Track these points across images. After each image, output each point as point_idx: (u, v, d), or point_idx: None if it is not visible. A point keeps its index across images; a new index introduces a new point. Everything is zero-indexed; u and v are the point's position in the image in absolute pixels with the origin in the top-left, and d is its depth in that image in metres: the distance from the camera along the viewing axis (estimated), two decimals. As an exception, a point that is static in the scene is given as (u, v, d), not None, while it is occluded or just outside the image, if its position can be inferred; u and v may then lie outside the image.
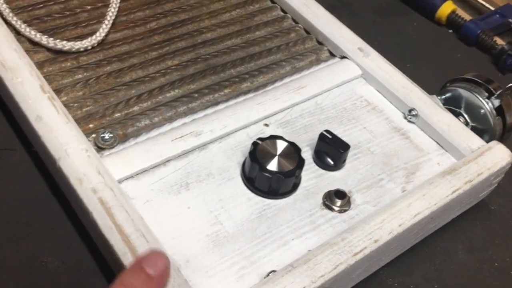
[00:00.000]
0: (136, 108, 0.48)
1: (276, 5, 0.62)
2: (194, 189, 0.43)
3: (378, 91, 0.53)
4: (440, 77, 0.59)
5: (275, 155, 0.43)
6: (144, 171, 0.43)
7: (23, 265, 0.41)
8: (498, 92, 0.49)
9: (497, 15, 0.73)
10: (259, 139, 0.44)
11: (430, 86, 0.55)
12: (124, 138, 0.45)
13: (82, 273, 0.41)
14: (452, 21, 0.72)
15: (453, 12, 0.72)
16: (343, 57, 0.56)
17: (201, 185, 0.43)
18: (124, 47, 0.54)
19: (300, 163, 0.43)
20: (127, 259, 0.36)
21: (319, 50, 0.57)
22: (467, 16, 0.74)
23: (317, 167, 0.46)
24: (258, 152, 0.43)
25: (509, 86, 0.49)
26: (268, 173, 0.42)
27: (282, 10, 0.62)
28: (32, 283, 0.40)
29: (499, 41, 0.70)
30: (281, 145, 0.44)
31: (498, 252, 0.49)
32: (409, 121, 0.51)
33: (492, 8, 0.75)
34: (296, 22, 0.60)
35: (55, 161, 0.41)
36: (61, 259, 0.41)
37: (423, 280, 0.46)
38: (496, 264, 0.48)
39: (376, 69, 0.54)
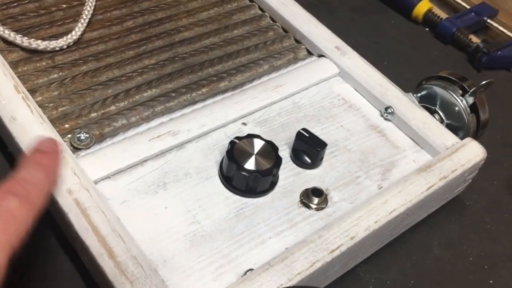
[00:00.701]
0: (112, 107, 0.48)
1: (254, 3, 0.62)
2: (171, 189, 0.42)
3: (355, 89, 0.54)
4: (416, 75, 0.60)
5: (252, 154, 0.43)
6: (121, 171, 0.43)
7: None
8: (471, 90, 0.50)
9: (473, 13, 0.74)
10: (236, 138, 0.44)
11: (407, 84, 0.56)
12: (101, 138, 0.45)
13: (58, 276, 0.41)
14: (429, 19, 0.73)
15: (429, 10, 0.73)
16: (320, 56, 0.56)
17: (179, 185, 0.43)
18: (101, 46, 0.53)
19: (277, 161, 0.43)
20: (103, 260, 0.36)
21: (297, 48, 0.57)
22: (443, 15, 0.74)
23: (294, 165, 0.46)
24: (235, 151, 0.43)
25: (482, 84, 0.49)
26: (245, 172, 0.42)
27: (260, 9, 0.62)
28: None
29: (475, 39, 0.71)
30: (258, 144, 0.44)
31: (473, 247, 0.49)
32: (386, 119, 0.52)
33: (468, 7, 0.76)
34: (274, 21, 0.60)
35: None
36: (37, 260, 0.41)
37: (400, 275, 0.46)
38: (471, 258, 0.49)
39: (353, 68, 0.54)
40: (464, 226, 0.51)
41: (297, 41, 0.59)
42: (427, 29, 0.73)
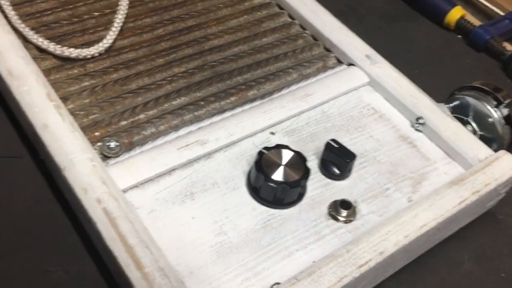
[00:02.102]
0: (142, 116, 0.48)
1: (284, 11, 0.62)
2: (199, 199, 0.42)
3: (386, 99, 0.53)
4: (448, 83, 0.59)
5: (281, 165, 0.43)
6: (149, 180, 0.43)
7: (26, 274, 0.41)
8: (507, 101, 0.48)
9: (507, 21, 0.72)
10: (265, 148, 0.43)
11: (439, 93, 0.55)
12: (130, 147, 0.45)
13: (85, 283, 0.41)
14: (461, 26, 0.71)
15: (462, 17, 0.71)
16: (350, 64, 0.55)
17: (206, 195, 0.43)
18: (131, 54, 0.54)
19: (306, 173, 0.43)
20: (130, 271, 0.36)
21: (326, 57, 0.57)
22: (476, 22, 0.73)
23: (323, 176, 0.46)
24: (264, 162, 0.42)
25: (518, 95, 0.48)
26: (273, 183, 0.41)
27: (290, 17, 0.61)
28: (36, 292, 0.40)
29: (509, 47, 0.70)
30: (286, 155, 0.43)
31: (506, 262, 0.48)
32: (416, 130, 0.51)
33: (502, 14, 0.74)
34: (303, 29, 0.60)
35: (61, 170, 0.41)
36: (65, 269, 0.42)
37: (429, 290, 0.45)
38: (503, 274, 0.47)
39: (383, 77, 0.53)
40: (496, 240, 0.50)
41: (327, 50, 0.58)
42: (459, 36, 0.72)
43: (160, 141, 0.46)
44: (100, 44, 0.52)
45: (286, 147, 0.44)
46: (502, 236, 0.50)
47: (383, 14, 0.74)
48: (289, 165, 0.43)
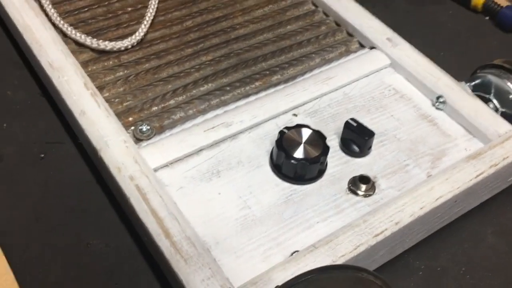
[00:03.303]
0: (172, 102, 0.51)
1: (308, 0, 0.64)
2: (224, 176, 0.45)
3: (407, 80, 0.54)
4: (475, 64, 0.59)
5: (301, 143, 0.45)
6: (178, 160, 0.46)
7: (70, 247, 0.45)
8: (527, 77, 0.49)
9: None
10: (286, 128, 0.46)
11: (464, 73, 0.56)
12: (161, 130, 0.48)
13: (123, 255, 0.44)
14: (488, 8, 0.71)
15: None
16: (372, 48, 0.57)
17: (231, 173, 0.46)
18: (162, 45, 0.57)
19: (325, 150, 0.45)
20: (160, 240, 0.39)
21: (349, 41, 0.59)
22: (504, 2, 0.73)
23: (343, 154, 0.48)
24: (285, 141, 0.45)
25: (537, 71, 0.49)
26: (294, 160, 0.44)
27: (314, 4, 0.63)
28: (78, 263, 0.44)
29: None
30: (306, 133, 0.46)
31: (529, 236, 0.49)
32: (437, 108, 0.52)
33: None
34: (327, 15, 0.62)
35: (97, 151, 0.44)
36: (105, 242, 0.45)
37: (450, 263, 0.46)
38: (526, 248, 0.48)
39: (404, 58, 0.55)
40: (520, 215, 0.51)
41: (350, 34, 0.60)
42: (487, 18, 0.72)
43: (188, 124, 0.49)
44: (133, 36, 0.56)
45: (306, 126, 0.46)
46: (525, 210, 0.51)
47: None
48: (308, 142, 0.45)
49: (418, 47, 0.57)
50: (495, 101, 0.52)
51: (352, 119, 0.47)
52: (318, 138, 0.45)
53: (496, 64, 0.52)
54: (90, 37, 0.55)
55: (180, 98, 0.52)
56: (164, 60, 0.55)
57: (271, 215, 0.43)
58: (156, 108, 0.51)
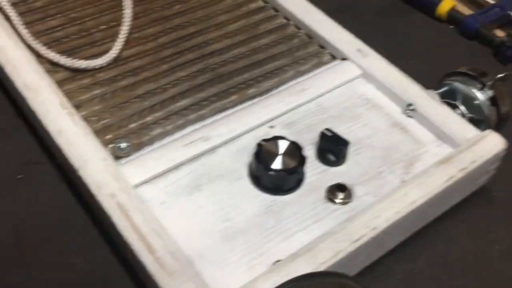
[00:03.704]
0: (149, 118, 0.52)
1: (279, 13, 0.65)
2: (205, 190, 0.46)
3: (378, 89, 0.56)
4: (442, 71, 0.61)
5: (278, 154, 0.46)
6: (158, 176, 0.46)
7: (54, 266, 0.45)
8: (490, 83, 0.51)
9: (497, 8, 0.75)
10: (263, 140, 0.47)
11: (432, 81, 0.57)
12: (139, 147, 0.49)
13: (107, 273, 0.45)
14: (452, 17, 0.74)
15: (452, 8, 0.74)
16: (343, 59, 0.59)
17: (212, 186, 0.46)
18: (137, 62, 0.57)
19: (302, 160, 0.46)
20: (144, 256, 0.39)
21: (321, 53, 0.60)
22: (468, 11, 0.75)
23: (320, 164, 0.49)
24: (262, 153, 0.46)
25: (499, 77, 0.51)
26: (272, 171, 0.45)
27: (285, 18, 0.65)
28: (61, 283, 0.44)
29: (499, 33, 0.72)
30: (283, 145, 0.47)
31: (500, 235, 0.51)
32: (408, 116, 0.54)
33: (493, 2, 0.76)
34: (298, 29, 0.63)
35: (76, 170, 0.45)
36: (88, 261, 0.45)
37: (427, 265, 0.48)
38: (497, 246, 0.50)
39: (374, 68, 0.57)
40: (491, 215, 0.52)
41: (321, 47, 0.61)
42: (451, 26, 0.75)
43: (167, 139, 0.49)
44: (108, 54, 0.56)
45: (283, 138, 0.47)
46: (496, 211, 0.53)
47: (378, 11, 0.76)
48: (286, 154, 0.46)
49: (388, 57, 0.58)
50: (461, 107, 0.54)
51: (327, 129, 0.49)
52: (295, 149, 0.47)
53: (461, 72, 0.54)
54: (64, 56, 0.55)
55: (158, 114, 0.52)
56: (140, 76, 0.56)
57: (253, 226, 0.44)
58: (134, 125, 0.51)
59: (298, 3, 0.64)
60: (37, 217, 0.48)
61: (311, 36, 0.62)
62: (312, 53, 0.61)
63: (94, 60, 0.55)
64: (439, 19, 0.75)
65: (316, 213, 0.45)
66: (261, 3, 0.67)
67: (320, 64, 0.59)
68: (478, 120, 0.53)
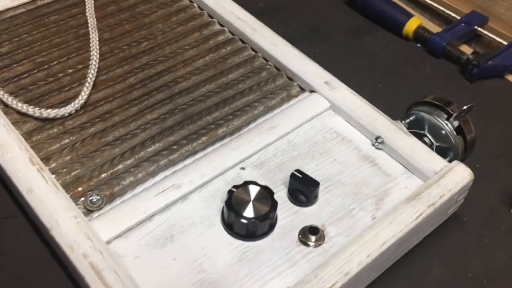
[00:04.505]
0: (120, 166, 0.52)
1: (247, 45, 0.65)
2: (178, 240, 0.46)
3: (347, 121, 0.57)
4: (410, 93, 0.62)
5: (249, 201, 0.46)
6: (131, 229, 0.46)
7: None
8: (455, 114, 0.52)
9: (463, 24, 0.76)
10: (234, 187, 0.47)
11: (402, 104, 0.58)
12: (111, 198, 0.49)
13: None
14: (419, 35, 0.75)
15: (419, 27, 0.75)
16: (312, 91, 0.59)
17: (185, 236, 0.47)
18: (106, 106, 0.57)
19: (273, 205, 0.46)
20: (119, 317, 0.39)
21: (289, 86, 0.61)
22: (435, 27, 0.76)
23: (292, 205, 0.49)
24: (234, 200, 0.46)
25: (464, 109, 0.52)
26: (244, 219, 0.45)
27: (253, 50, 0.65)
28: None
29: (467, 49, 0.73)
30: (254, 190, 0.47)
31: (472, 263, 0.52)
32: (377, 148, 0.54)
33: (458, 17, 0.77)
34: (266, 61, 0.64)
35: (48, 230, 0.45)
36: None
37: (402, 299, 0.49)
38: (470, 274, 0.51)
39: (342, 101, 0.57)
40: (461, 242, 0.54)
41: (290, 79, 0.62)
42: (418, 45, 0.76)
43: (138, 189, 0.49)
44: (76, 101, 0.56)
45: (254, 182, 0.48)
46: (467, 237, 0.54)
47: (346, 32, 0.77)
48: (257, 199, 0.47)
49: (356, 80, 0.59)
50: (429, 137, 0.55)
51: (297, 170, 0.49)
52: (266, 194, 0.47)
53: (428, 101, 0.55)
54: (32, 107, 0.55)
55: (129, 162, 0.52)
56: (110, 122, 0.56)
57: (227, 276, 0.44)
58: (105, 174, 0.51)
59: (264, 35, 0.64)
60: (11, 275, 0.47)
61: (279, 68, 0.63)
62: (281, 86, 0.61)
63: (63, 109, 0.55)
64: (406, 38, 0.76)
65: (290, 257, 0.46)
66: (229, 35, 0.67)
67: (289, 97, 0.60)
68: (446, 148, 0.54)
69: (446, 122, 0.53)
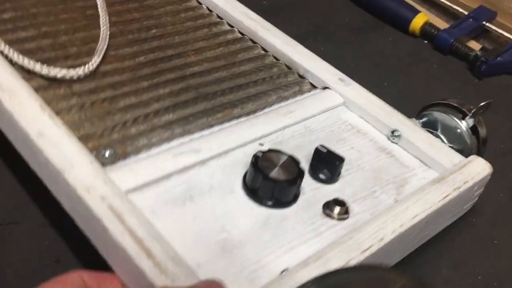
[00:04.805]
0: (133, 130, 0.49)
1: (257, 44, 0.65)
2: (198, 201, 0.43)
3: (361, 117, 0.56)
4: (418, 91, 0.60)
5: (276, 165, 0.44)
6: (148, 184, 0.43)
7: None
8: (472, 111, 0.53)
9: (471, 19, 0.75)
10: (260, 151, 0.45)
11: (408, 102, 0.57)
12: (125, 156, 0.45)
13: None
14: (426, 32, 0.73)
15: (426, 23, 0.73)
16: (325, 88, 0.59)
17: (205, 198, 0.44)
18: (116, 78, 0.55)
19: (300, 173, 0.44)
20: (142, 261, 0.35)
21: (301, 82, 0.60)
22: (442, 24, 0.74)
23: (313, 181, 0.48)
24: (261, 163, 0.44)
25: (481, 105, 0.53)
26: (272, 181, 0.43)
27: (263, 49, 0.65)
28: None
29: (475, 45, 0.71)
30: (281, 157, 0.45)
31: (482, 265, 0.51)
32: (393, 142, 0.54)
33: (466, 12, 0.75)
34: (277, 59, 0.64)
35: (60, 173, 0.40)
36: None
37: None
38: (479, 277, 0.50)
39: (357, 97, 0.57)
40: (471, 244, 0.53)
41: (301, 76, 0.61)
42: (425, 41, 0.74)
43: (154, 151, 0.46)
44: (86, 66, 0.53)
45: (279, 151, 0.46)
46: (477, 239, 0.53)
47: (350, 29, 0.75)
48: (283, 166, 0.44)
49: (362, 78, 0.58)
50: (442, 137, 0.55)
51: (321, 145, 0.48)
52: (292, 162, 0.45)
53: (441, 103, 0.56)
54: (39, 63, 0.51)
55: (142, 127, 0.49)
56: (120, 91, 0.53)
57: (251, 239, 0.41)
58: (117, 135, 0.48)
59: (277, 35, 0.64)
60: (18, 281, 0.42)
61: (290, 67, 0.63)
62: (292, 81, 0.61)
63: (72, 70, 0.52)
64: (413, 34, 0.74)
65: (315, 227, 0.43)
66: (238, 35, 0.67)
67: (301, 92, 0.59)
68: (458, 150, 0.54)
69: (462, 120, 0.54)
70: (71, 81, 0.52)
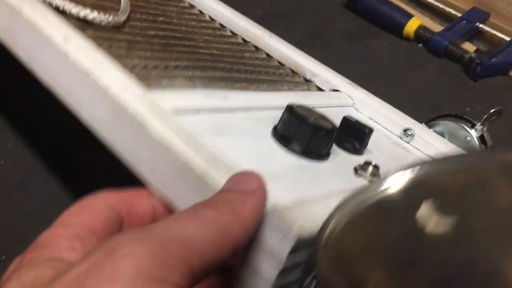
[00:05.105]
0: (154, 72, 0.45)
1: (261, 50, 0.65)
2: (231, 138, 0.39)
3: (370, 118, 0.56)
4: (414, 95, 0.59)
5: (312, 116, 0.42)
6: (176, 110, 0.39)
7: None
8: (484, 117, 0.54)
9: (464, 21, 0.75)
10: (293, 104, 0.43)
11: (406, 106, 0.56)
12: (149, 88, 0.41)
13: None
14: (420, 36, 0.73)
15: (419, 27, 0.74)
16: (334, 90, 0.58)
17: (237, 137, 0.40)
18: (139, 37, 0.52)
19: (335, 127, 0.42)
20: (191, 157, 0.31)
21: (309, 84, 0.60)
22: (436, 26, 0.74)
23: (340, 149, 0.45)
24: (296, 111, 0.41)
25: (492, 112, 0.54)
26: (309, 126, 0.40)
27: (267, 55, 0.65)
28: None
29: (469, 46, 0.71)
30: (313, 113, 0.43)
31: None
32: (405, 141, 0.53)
33: (459, 14, 0.76)
34: (282, 64, 0.63)
35: (90, 74, 0.36)
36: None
37: None
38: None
39: (367, 99, 0.57)
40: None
41: (307, 80, 0.61)
42: (420, 45, 0.74)
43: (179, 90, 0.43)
44: (112, 16, 0.50)
45: (310, 108, 0.44)
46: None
47: (346, 35, 0.75)
48: (319, 119, 0.42)
49: (358, 83, 0.57)
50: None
51: (348, 116, 0.46)
52: (324, 118, 0.43)
53: (449, 114, 0.57)
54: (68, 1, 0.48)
55: (165, 72, 0.46)
56: (139, 45, 0.50)
57: (287, 175, 0.37)
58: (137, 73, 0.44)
59: (280, 41, 0.64)
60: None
61: (295, 71, 0.62)
62: (299, 82, 0.60)
63: (102, 15, 0.49)
64: (407, 38, 0.74)
65: (348, 182, 0.40)
66: (241, 41, 0.66)
67: (310, 91, 0.58)
68: (466, 158, 0.54)
69: (472, 129, 0.54)
70: (99, 26, 0.48)
